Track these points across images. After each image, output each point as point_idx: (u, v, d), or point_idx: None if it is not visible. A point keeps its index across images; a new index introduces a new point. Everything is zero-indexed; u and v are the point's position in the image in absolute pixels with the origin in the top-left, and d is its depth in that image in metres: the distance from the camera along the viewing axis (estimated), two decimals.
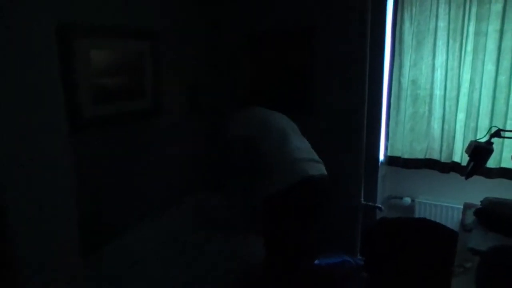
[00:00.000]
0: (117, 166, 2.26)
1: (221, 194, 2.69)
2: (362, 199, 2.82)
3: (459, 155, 2.70)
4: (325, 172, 2.16)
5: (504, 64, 2.47)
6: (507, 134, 1.96)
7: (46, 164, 1.21)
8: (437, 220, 2.79)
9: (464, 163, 2.60)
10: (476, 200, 2.14)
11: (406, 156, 2.86)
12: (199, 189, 2.82)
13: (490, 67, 2.51)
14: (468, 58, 2.57)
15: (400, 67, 2.76)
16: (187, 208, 2.58)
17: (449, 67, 2.63)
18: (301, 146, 2.16)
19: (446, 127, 2.71)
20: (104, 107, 2.16)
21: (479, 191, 2.35)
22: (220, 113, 3.04)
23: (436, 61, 2.67)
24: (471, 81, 2.59)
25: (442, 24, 2.61)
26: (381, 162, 2.90)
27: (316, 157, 2.19)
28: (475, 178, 2.16)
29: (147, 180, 2.48)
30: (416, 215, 3.02)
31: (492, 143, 1.94)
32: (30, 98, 1.16)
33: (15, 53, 1.11)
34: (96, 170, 2.13)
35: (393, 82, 2.81)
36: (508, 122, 2.51)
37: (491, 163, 2.53)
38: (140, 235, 2.23)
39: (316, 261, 2.74)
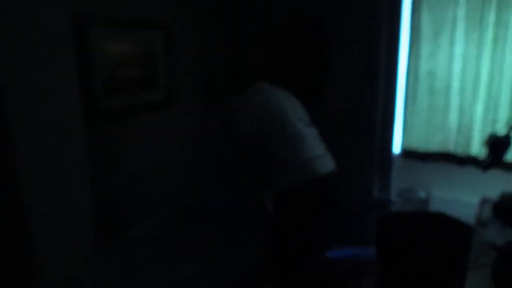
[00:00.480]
0: (130, 157, 2.29)
1: (229, 188, 2.70)
2: (376, 193, 2.79)
3: (477, 148, 2.64)
4: (333, 166, 2.16)
5: None
6: None
7: (61, 155, 1.22)
8: (453, 214, 2.74)
9: (481, 157, 2.54)
10: (493, 194, 2.10)
11: (421, 149, 2.81)
12: (209, 182, 2.83)
13: (510, 58, 2.44)
14: (488, 49, 2.49)
15: (417, 58, 2.70)
16: (195, 202, 2.60)
17: (467, 57, 2.56)
18: (313, 140, 2.17)
19: (463, 119, 2.65)
20: (118, 98, 2.17)
21: (496, 185, 2.30)
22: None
23: (454, 52, 2.59)
24: (490, 72, 2.52)
25: (460, 13, 2.53)
26: (396, 155, 2.86)
27: (324, 149, 2.19)
28: (493, 171, 2.12)
29: (160, 172, 2.50)
30: (431, 209, 2.97)
31: (510, 136, 1.89)
32: (46, 90, 1.17)
33: (32, 45, 1.12)
34: (110, 161, 2.16)
35: (409, 73, 2.75)
36: None
37: (510, 156, 2.46)
38: (150, 228, 2.25)
39: (329, 254, 2.73)
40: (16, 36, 1.08)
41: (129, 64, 2.23)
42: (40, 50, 1.15)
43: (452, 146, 2.73)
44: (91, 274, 1.34)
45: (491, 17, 2.45)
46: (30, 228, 1.14)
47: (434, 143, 2.77)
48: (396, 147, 2.85)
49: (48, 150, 1.18)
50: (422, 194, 3.03)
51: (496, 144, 1.90)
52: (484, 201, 2.13)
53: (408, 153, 2.88)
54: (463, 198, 2.87)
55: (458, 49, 2.58)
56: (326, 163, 2.14)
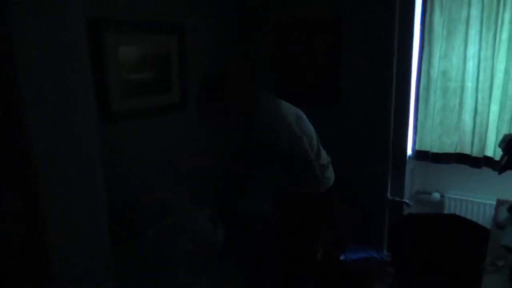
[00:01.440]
0: (145, 159, 2.31)
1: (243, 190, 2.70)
2: (389, 194, 2.77)
3: (492, 149, 2.59)
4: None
5: None
6: None
7: (76, 158, 1.24)
8: (468, 217, 2.70)
9: (497, 158, 2.49)
10: (510, 196, 2.07)
11: (435, 150, 2.77)
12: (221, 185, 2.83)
13: None
14: (503, 48, 2.45)
15: (430, 57, 2.67)
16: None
17: (482, 57, 2.52)
18: (321, 149, 2.27)
19: (478, 119, 2.61)
20: (133, 101, 2.20)
21: None
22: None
23: (468, 51, 2.56)
24: (506, 72, 2.47)
25: (475, 12, 2.50)
26: (409, 156, 2.83)
27: (328, 157, 2.29)
28: (509, 173, 2.08)
29: (172, 174, 2.51)
30: (446, 211, 2.93)
31: None
32: (61, 93, 1.19)
33: (48, 48, 1.15)
34: (125, 163, 2.18)
35: (422, 74, 2.72)
36: None
37: None
38: (164, 230, 2.24)
39: (343, 257, 2.71)
40: (33, 39, 1.10)
41: (143, 66, 2.25)
42: (55, 54, 1.17)
43: (467, 147, 2.69)
44: (107, 275, 1.36)
45: (507, 16, 2.41)
46: (46, 230, 1.16)
47: (448, 144, 2.74)
48: (410, 149, 2.82)
49: (63, 152, 1.20)
50: (437, 195, 3.00)
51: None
52: (500, 203, 2.09)
53: (421, 155, 2.84)
54: (478, 200, 2.83)
55: (472, 48, 2.54)
56: (331, 171, 2.27)
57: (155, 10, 2.30)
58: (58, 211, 1.18)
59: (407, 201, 2.76)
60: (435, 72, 2.67)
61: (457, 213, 2.85)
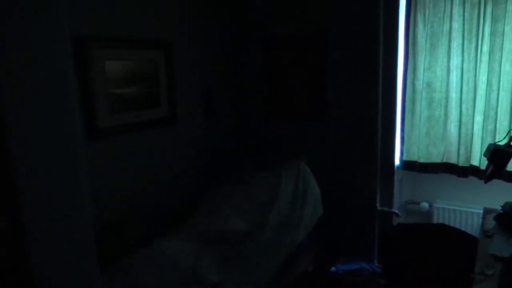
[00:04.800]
0: (133, 174, 2.29)
1: None
2: (378, 205, 2.78)
3: (478, 159, 2.63)
4: None
5: None
6: None
7: (62, 174, 1.22)
8: (456, 226, 2.72)
9: (483, 167, 2.53)
10: (497, 205, 2.09)
11: (422, 160, 2.81)
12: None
13: (508, 67, 2.46)
14: (485, 59, 2.52)
15: (414, 70, 2.72)
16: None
17: (464, 69, 2.58)
18: None
19: (463, 130, 2.65)
20: (120, 116, 2.19)
21: (499, 195, 2.29)
22: (237, 119, 3.07)
23: (451, 63, 2.62)
24: (488, 83, 2.53)
25: (456, 25, 2.57)
26: (397, 167, 2.86)
27: None
28: (495, 182, 2.11)
29: (162, 189, 2.49)
30: (435, 221, 2.95)
31: (511, 146, 1.89)
32: (48, 109, 1.18)
33: (33, 64, 1.14)
34: (113, 179, 2.16)
35: (408, 85, 2.76)
36: None
37: (511, 166, 2.46)
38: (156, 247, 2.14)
39: (334, 268, 2.71)
40: (16, 55, 1.09)
41: (130, 82, 2.25)
42: (41, 69, 1.16)
43: (453, 156, 2.73)
44: None
45: (487, 28, 2.48)
46: (30, 251, 1.13)
47: (435, 155, 2.77)
48: (398, 159, 2.85)
49: (48, 171, 1.18)
50: (425, 205, 3.02)
51: (497, 154, 1.89)
52: (487, 212, 2.12)
53: (408, 165, 2.87)
54: (466, 209, 2.86)
55: (456, 60, 2.60)
56: None
57: (142, 26, 2.31)
58: (42, 231, 1.16)
59: (396, 211, 2.77)
60: (420, 83, 2.72)
61: (446, 222, 2.87)
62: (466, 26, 2.54)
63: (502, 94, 2.49)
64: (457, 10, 2.55)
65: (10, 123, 1.08)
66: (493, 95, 2.53)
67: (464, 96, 2.61)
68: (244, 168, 2.73)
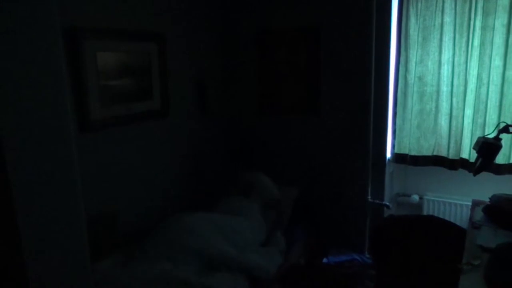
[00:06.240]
0: (126, 167, 2.28)
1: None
2: (370, 197, 2.81)
3: (467, 152, 2.67)
4: None
5: None
6: None
7: (54, 166, 1.22)
8: (446, 217, 2.77)
9: (472, 160, 2.57)
10: (485, 197, 2.13)
11: (413, 153, 2.84)
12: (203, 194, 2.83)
13: (497, 62, 2.48)
14: (475, 53, 2.54)
15: (406, 63, 2.74)
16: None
17: (456, 62, 2.61)
18: None
19: (453, 123, 2.69)
20: (112, 109, 2.18)
21: (487, 187, 2.33)
22: (229, 114, 3.06)
23: (442, 57, 2.64)
24: (479, 77, 2.56)
25: (448, 19, 2.58)
26: (388, 160, 2.89)
27: None
28: (484, 174, 2.14)
29: (154, 182, 2.49)
30: (424, 213, 3.00)
31: (500, 139, 1.92)
32: (39, 101, 1.17)
33: (23, 56, 1.13)
34: (105, 172, 2.16)
35: (399, 79, 2.79)
36: None
37: (499, 159, 2.50)
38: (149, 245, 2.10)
39: (325, 260, 2.74)
40: (5, 47, 1.08)
41: (123, 74, 2.23)
42: (33, 61, 1.15)
43: (443, 149, 2.77)
44: None
45: (478, 23, 2.50)
46: (22, 247, 1.13)
47: (425, 148, 2.81)
48: (388, 152, 2.88)
49: (39, 165, 1.17)
50: (416, 197, 3.06)
51: (486, 147, 1.92)
52: (475, 204, 2.16)
53: (400, 158, 2.90)
54: (455, 201, 2.91)
55: (447, 54, 2.63)
56: None
57: (135, 18, 2.29)
58: (33, 227, 1.15)
59: (387, 203, 2.81)
60: (411, 77, 2.74)
61: (436, 214, 2.92)
62: (457, 20, 2.56)
63: (491, 88, 2.53)
64: (448, 3, 2.57)
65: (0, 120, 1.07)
66: (483, 89, 2.56)
67: (455, 90, 2.64)
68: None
